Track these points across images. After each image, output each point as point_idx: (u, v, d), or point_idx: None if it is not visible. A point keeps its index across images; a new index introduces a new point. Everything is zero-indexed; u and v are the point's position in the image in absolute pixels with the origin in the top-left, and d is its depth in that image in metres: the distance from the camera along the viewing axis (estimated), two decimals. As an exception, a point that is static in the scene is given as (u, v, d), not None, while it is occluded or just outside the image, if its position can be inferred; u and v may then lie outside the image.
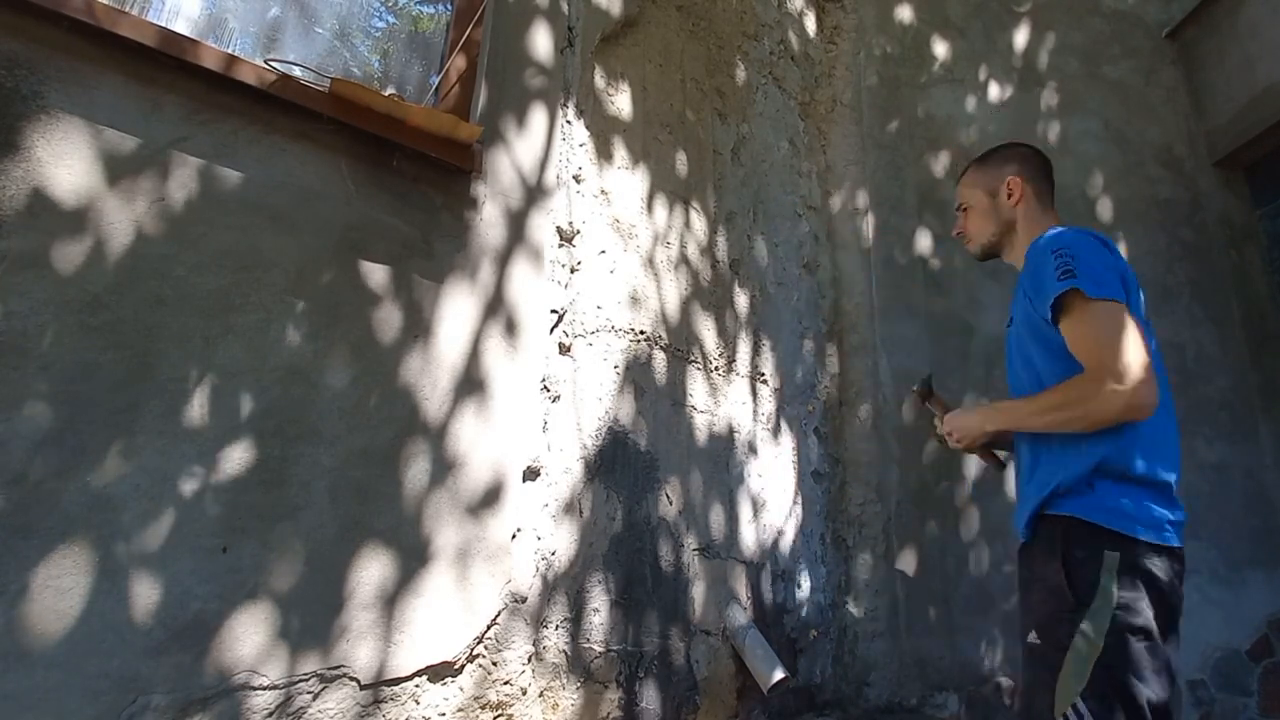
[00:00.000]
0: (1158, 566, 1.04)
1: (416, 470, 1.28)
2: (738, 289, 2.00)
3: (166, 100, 1.15)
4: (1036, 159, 1.38)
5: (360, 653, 1.16)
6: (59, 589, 0.94)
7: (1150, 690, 0.97)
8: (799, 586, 1.91)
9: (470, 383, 1.38)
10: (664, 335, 1.76)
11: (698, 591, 1.66)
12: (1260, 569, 2.31)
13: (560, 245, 1.62)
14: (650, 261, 1.79)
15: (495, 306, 1.46)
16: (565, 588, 1.43)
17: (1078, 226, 1.22)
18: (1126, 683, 0.97)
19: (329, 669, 1.13)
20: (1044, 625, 1.06)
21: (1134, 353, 1.04)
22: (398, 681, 1.19)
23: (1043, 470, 1.16)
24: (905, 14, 2.62)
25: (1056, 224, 1.31)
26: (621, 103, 1.84)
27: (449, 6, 1.70)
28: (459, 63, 1.57)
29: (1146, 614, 1.00)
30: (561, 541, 1.45)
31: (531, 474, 1.44)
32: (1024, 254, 1.25)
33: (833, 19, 2.62)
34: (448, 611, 1.26)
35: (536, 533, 1.41)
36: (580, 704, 1.40)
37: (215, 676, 1.03)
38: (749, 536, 1.82)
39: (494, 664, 1.30)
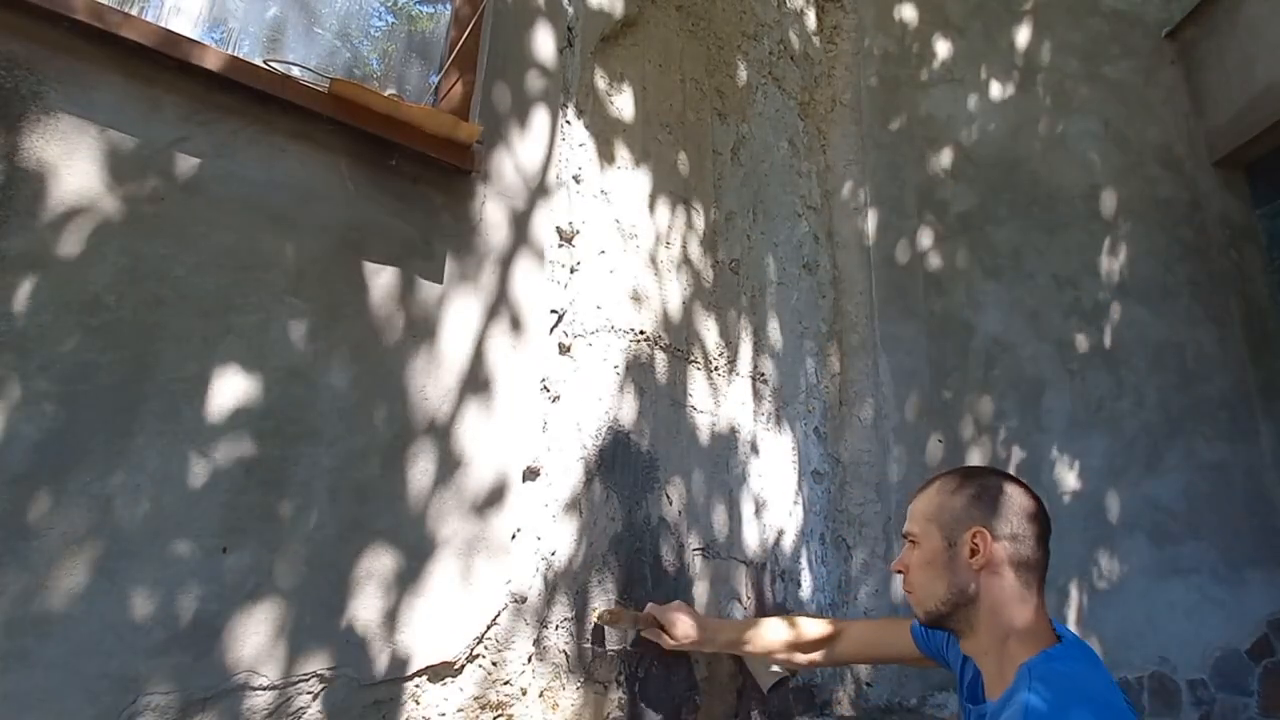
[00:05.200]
0: None
1: (416, 471, 1.28)
2: (738, 289, 1.99)
3: (166, 100, 1.15)
4: (1023, 511, 0.97)
5: (360, 653, 1.16)
6: (58, 589, 0.94)
7: None
8: (799, 586, 1.91)
9: (470, 383, 1.38)
10: (664, 335, 1.76)
11: (699, 591, 1.66)
12: (1260, 569, 2.31)
13: (560, 245, 1.62)
14: (650, 261, 1.79)
15: (495, 307, 1.46)
16: (566, 587, 1.43)
17: (1081, 692, 0.84)
18: None
19: (329, 669, 1.13)
20: None
21: None
22: (398, 681, 1.19)
23: None
24: (905, 14, 2.62)
25: (1041, 629, 0.93)
26: (621, 103, 1.84)
27: (449, 6, 1.70)
28: (459, 62, 1.57)
29: None
30: (562, 541, 1.45)
31: (531, 474, 1.44)
32: (994, 667, 0.93)
33: (833, 19, 2.62)
34: (448, 612, 1.26)
35: (537, 533, 1.41)
36: (580, 704, 1.40)
37: (215, 676, 1.03)
38: (750, 536, 1.82)
39: (494, 664, 1.30)
